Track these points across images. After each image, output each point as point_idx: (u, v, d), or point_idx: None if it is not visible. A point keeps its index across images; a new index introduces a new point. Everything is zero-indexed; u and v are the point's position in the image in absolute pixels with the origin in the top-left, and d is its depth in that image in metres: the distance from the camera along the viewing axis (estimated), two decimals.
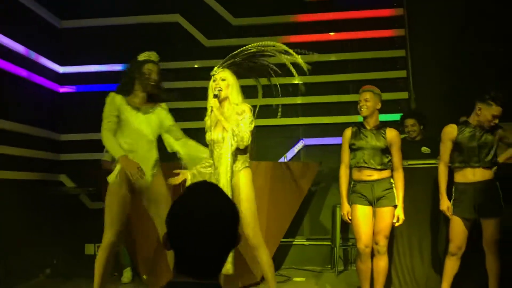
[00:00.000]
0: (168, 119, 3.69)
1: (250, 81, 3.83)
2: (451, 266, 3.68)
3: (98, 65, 6.09)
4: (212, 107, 3.43)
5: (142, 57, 3.62)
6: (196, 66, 6.15)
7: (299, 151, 5.92)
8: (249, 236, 3.37)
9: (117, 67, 5.86)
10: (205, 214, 1.20)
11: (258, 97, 3.82)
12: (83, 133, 5.91)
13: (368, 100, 3.78)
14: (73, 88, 6.13)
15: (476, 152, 3.65)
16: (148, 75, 3.56)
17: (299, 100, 5.92)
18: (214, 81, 3.52)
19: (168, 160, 4.01)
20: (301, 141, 5.92)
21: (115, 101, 3.53)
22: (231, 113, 3.45)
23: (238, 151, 3.43)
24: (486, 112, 3.65)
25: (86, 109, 5.79)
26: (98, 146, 5.31)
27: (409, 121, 4.92)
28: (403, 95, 5.78)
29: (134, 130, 3.54)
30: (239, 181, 3.42)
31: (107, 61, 6.04)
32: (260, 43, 3.54)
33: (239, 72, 3.60)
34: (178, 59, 6.04)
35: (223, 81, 3.48)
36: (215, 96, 3.43)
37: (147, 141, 3.59)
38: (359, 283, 3.86)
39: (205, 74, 5.94)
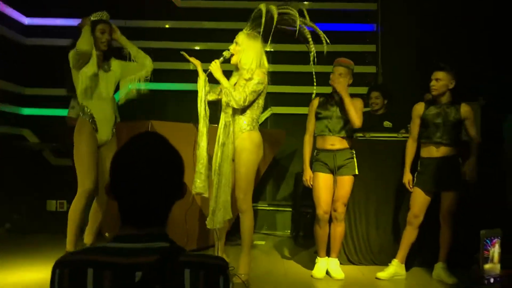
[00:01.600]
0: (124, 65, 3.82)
1: None
2: (407, 235, 3.87)
3: (65, 19, 5.89)
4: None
5: (94, 16, 3.69)
6: (167, 26, 6.06)
7: (266, 119, 5.98)
8: (238, 199, 3.47)
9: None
10: (146, 163, 1.17)
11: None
12: (49, 88, 5.77)
13: (342, 75, 3.84)
14: None
15: (440, 129, 3.78)
16: (100, 36, 3.66)
17: (271, 68, 5.92)
18: (236, 43, 3.57)
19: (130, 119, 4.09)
20: (269, 109, 5.96)
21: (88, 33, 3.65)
22: (240, 78, 3.50)
23: (242, 111, 3.50)
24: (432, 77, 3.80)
25: (53, 63, 5.65)
26: (64, 101, 5.26)
27: (374, 94, 5.02)
28: (371, 69, 5.88)
29: (94, 88, 3.69)
30: (240, 143, 3.49)
31: (75, 15, 5.85)
32: (282, 7, 3.56)
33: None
34: (148, 18, 5.94)
35: (237, 46, 3.53)
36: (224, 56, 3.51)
37: (108, 101, 3.73)
38: (316, 248, 4.03)
39: (177, 35, 5.96)
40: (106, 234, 4.70)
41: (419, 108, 3.89)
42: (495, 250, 1.30)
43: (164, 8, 5.97)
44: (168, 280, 1.11)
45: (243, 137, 3.48)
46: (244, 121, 3.50)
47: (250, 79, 3.44)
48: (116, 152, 1.23)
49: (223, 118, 3.58)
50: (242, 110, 3.49)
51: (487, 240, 1.28)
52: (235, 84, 3.51)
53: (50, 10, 5.91)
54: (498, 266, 1.33)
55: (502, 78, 5.17)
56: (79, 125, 3.69)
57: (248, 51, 3.51)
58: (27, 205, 5.36)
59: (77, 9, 5.75)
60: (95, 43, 3.63)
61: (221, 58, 3.54)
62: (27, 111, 5.87)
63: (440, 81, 3.76)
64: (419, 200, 3.82)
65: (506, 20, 5.32)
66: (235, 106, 3.44)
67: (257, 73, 3.47)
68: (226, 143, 3.49)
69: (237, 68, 3.57)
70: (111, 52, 3.82)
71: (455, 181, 3.78)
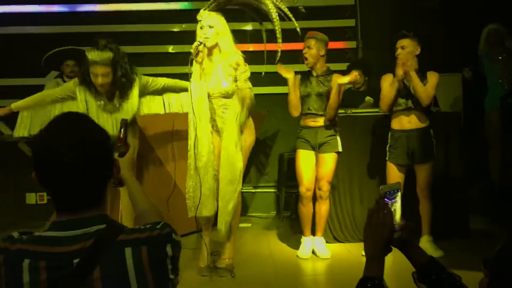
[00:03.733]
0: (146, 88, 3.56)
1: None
2: None
3: (33, 5, 5.67)
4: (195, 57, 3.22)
5: (88, 54, 3.26)
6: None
7: None
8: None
9: (54, 7, 5.54)
10: (68, 147, 1.11)
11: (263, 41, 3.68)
12: (21, 78, 5.59)
13: (311, 47, 3.78)
14: None
15: (409, 95, 3.74)
16: (94, 79, 3.29)
17: (250, 47, 5.81)
18: (201, 28, 3.30)
19: None
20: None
21: (72, 89, 3.45)
22: (223, 64, 3.33)
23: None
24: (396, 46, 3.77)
25: (24, 53, 5.48)
26: (36, 91, 5.09)
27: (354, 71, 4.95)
28: (351, 44, 5.80)
29: None
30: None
31: (42, 1, 5.66)
32: None
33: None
34: (120, 1, 5.76)
35: (211, 28, 3.28)
36: (198, 50, 3.20)
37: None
38: (301, 227, 3.99)
39: (152, 16, 5.79)
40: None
41: (387, 77, 3.85)
42: (397, 204, 1.29)
43: None
44: (107, 263, 1.08)
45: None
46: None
47: (238, 64, 3.31)
48: (35, 139, 1.16)
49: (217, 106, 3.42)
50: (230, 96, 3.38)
51: (388, 195, 1.26)
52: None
53: None
54: (399, 220, 1.33)
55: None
56: None
57: (226, 33, 3.34)
58: (6, 199, 5.22)
59: None
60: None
61: (200, 54, 3.24)
62: None
63: (406, 48, 3.72)
64: (394, 175, 3.80)
65: None
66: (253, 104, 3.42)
67: (241, 62, 3.33)
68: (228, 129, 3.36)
69: (209, 52, 3.33)
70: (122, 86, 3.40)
71: (428, 153, 3.77)
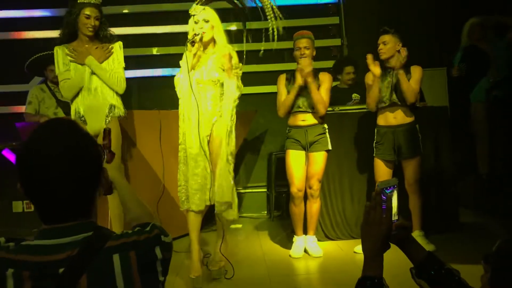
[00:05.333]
0: (111, 62, 3.52)
1: None
2: None
3: (14, 10, 5.57)
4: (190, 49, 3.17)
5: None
6: (125, 11, 5.83)
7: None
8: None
9: (36, 12, 5.47)
10: (52, 159, 1.08)
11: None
12: (4, 85, 5.51)
13: (308, 47, 3.77)
14: None
15: (393, 91, 3.75)
16: (86, 21, 3.39)
17: (236, 47, 5.78)
18: (196, 22, 3.26)
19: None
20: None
21: (60, 56, 3.43)
22: (217, 56, 3.27)
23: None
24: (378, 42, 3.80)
25: (6, 59, 5.40)
26: (20, 98, 5.03)
27: (348, 68, 4.96)
28: (336, 41, 5.80)
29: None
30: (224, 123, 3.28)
31: (23, 6, 5.57)
32: None
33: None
34: (106, 3, 5.68)
35: (207, 23, 3.24)
36: (194, 40, 3.15)
37: (93, 88, 3.45)
38: (293, 226, 3.98)
39: (137, 20, 5.74)
40: None
41: (371, 75, 3.86)
42: (394, 200, 1.28)
43: None
44: (94, 271, 1.05)
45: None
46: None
47: (231, 57, 3.25)
48: (19, 149, 1.12)
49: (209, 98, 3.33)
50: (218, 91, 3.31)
51: (384, 191, 1.25)
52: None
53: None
54: (396, 216, 1.32)
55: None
56: None
57: (220, 27, 3.33)
58: None
59: (31, 1, 5.52)
60: (79, 26, 3.40)
61: (196, 45, 3.18)
62: None
63: (388, 43, 3.75)
64: (382, 171, 3.82)
65: None
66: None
67: (234, 55, 3.29)
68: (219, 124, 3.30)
69: (204, 46, 3.29)
70: (102, 38, 3.52)
71: (414, 148, 3.79)
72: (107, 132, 1.75)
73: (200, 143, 3.20)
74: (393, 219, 1.30)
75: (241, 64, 3.31)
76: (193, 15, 3.27)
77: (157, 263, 1.13)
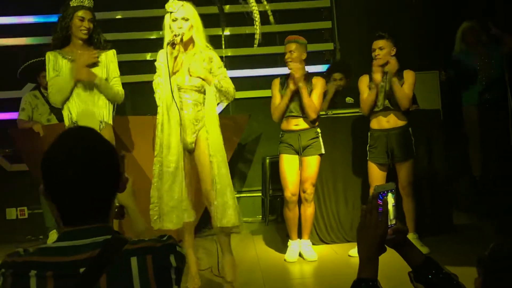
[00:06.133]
0: (110, 70, 3.46)
1: None
2: None
3: (6, 17, 5.53)
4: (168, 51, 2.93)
5: (73, 2, 3.35)
6: (118, 17, 5.83)
7: (228, 105, 5.85)
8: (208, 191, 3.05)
9: (28, 18, 5.46)
10: (76, 163, 1.15)
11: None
12: None
13: (293, 52, 3.79)
14: None
15: (387, 95, 3.77)
16: (80, 23, 3.33)
17: (229, 52, 5.81)
18: (174, 20, 2.98)
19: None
20: None
21: (51, 62, 3.35)
22: (197, 58, 3.05)
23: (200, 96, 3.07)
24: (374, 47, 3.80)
25: None
26: (12, 104, 5.01)
27: (337, 75, 4.98)
28: (329, 46, 5.83)
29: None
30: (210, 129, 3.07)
31: (15, 13, 5.55)
32: None
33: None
34: (99, 9, 5.68)
35: (186, 21, 2.99)
36: (174, 42, 2.91)
37: (86, 94, 3.38)
38: (287, 230, 3.98)
39: (129, 25, 5.74)
40: None
41: (365, 79, 3.89)
42: (390, 204, 1.29)
43: None
44: (113, 271, 1.10)
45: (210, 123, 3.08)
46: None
47: (211, 59, 3.06)
48: (44, 154, 1.18)
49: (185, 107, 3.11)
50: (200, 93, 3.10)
51: (380, 195, 1.26)
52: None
53: None
54: (393, 220, 1.33)
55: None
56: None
57: (199, 25, 3.06)
58: None
59: (16, 7, 5.50)
60: (74, 31, 3.35)
61: (176, 47, 2.97)
62: None
63: (383, 49, 3.77)
64: (376, 174, 3.84)
65: None
66: (229, 101, 3.21)
67: (216, 56, 3.09)
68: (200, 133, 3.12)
69: (184, 47, 3.05)
70: (96, 43, 3.46)
71: (407, 151, 3.81)
72: (121, 159, 1.71)
73: (179, 155, 3.00)
74: (390, 223, 1.30)
75: (224, 69, 3.15)
76: (170, 12, 3.00)
77: (172, 270, 1.17)
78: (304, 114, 3.80)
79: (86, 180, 1.15)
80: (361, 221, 1.30)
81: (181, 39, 2.97)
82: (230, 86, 3.12)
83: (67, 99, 3.36)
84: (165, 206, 2.97)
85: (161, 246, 1.18)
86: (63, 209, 1.18)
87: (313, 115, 3.77)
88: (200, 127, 3.10)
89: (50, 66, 3.37)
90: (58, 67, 3.37)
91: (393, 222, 1.33)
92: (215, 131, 3.07)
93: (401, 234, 1.35)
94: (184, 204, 3.02)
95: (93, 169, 1.16)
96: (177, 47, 2.97)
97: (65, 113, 3.42)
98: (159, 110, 3.05)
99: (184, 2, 3.03)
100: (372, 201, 1.29)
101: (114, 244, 1.14)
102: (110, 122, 3.48)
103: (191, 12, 3.03)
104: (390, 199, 1.33)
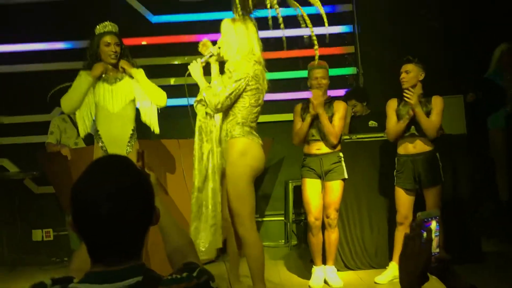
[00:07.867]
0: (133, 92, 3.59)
1: None
2: (400, 235, 3.80)
3: (37, 43, 5.74)
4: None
5: (98, 30, 3.53)
6: (143, 43, 5.97)
7: None
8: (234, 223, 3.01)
9: (58, 45, 5.61)
10: (107, 197, 1.06)
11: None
12: (24, 115, 5.63)
13: (324, 78, 3.81)
14: None
15: (414, 121, 3.72)
16: (107, 49, 3.48)
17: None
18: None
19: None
20: None
21: (80, 78, 3.53)
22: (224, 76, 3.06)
23: (226, 114, 3.00)
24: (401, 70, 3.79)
25: (29, 90, 5.53)
26: (41, 128, 5.13)
27: (350, 102, 4.99)
28: (352, 70, 5.84)
29: (101, 105, 3.50)
30: (225, 154, 3.01)
31: (46, 39, 5.73)
32: None
33: None
34: (123, 36, 5.83)
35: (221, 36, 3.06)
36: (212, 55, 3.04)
37: (114, 114, 3.51)
38: (311, 256, 3.94)
39: (154, 51, 5.86)
40: None
41: (392, 104, 3.87)
42: (434, 232, 1.26)
43: (138, 25, 5.85)
44: None
45: (226, 146, 3.01)
46: (228, 127, 3.02)
47: (233, 71, 2.97)
48: (73, 185, 1.11)
49: (209, 125, 3.21)
50: (226, 113, 3.03)
51: (424, 222, 1.22)
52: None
53: (18, 35, 5.73)
54: (436, 249, 1.29)
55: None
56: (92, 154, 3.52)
57: (229, 38, 2.99)
58: (12, 237, 5.19)
59: (47, 33, 5.68)
60: (102, 58, 3.51)
61: (205, 58, 3.09)
62: (3, 140, 5.69)
63: (410, 73, 3.75)
64: (403, 200, 3.78)
65: (485, 14, 5.34)
66: (210, 112, 3.09)
67: (239, 67, 2.93)
68: (212, 153, 3.12)
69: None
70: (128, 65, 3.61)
71: (435, 176, 3.75)
72: (140, 155, 1.74)
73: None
74: (433, 251, 1.26)
75: (238, 79, 2.99)
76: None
77: None
78: (325, 138, 3.79)
79: (117, 215, 1.07)
80: (403, 249, 1.25)
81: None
82: (214, 96, 2.96)
83: (78, 106, 3.54)
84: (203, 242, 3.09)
85: (195, 286, 1.12)
86: (92, 245, 1.10)
87: (334, 141, 3.76)
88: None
89: (76, 80, 3.54)
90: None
91: (437, 250, 1.29)
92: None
93: (444, 263, 1.31)
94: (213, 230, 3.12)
95: (125, 204, 1.08)
96: (205, 58, 3.18)
97: (95, 139, 3.52)
98: (197, 135, 3.21)
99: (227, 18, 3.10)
100: (416, 229, 1.24)
101: (147, 286, 1.07)
102: (137, 145, 3.55)
103: (225, 25, 3.10)
104: (434, 226, 1.29)
